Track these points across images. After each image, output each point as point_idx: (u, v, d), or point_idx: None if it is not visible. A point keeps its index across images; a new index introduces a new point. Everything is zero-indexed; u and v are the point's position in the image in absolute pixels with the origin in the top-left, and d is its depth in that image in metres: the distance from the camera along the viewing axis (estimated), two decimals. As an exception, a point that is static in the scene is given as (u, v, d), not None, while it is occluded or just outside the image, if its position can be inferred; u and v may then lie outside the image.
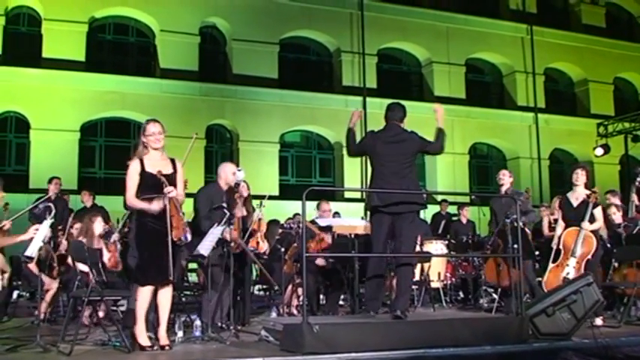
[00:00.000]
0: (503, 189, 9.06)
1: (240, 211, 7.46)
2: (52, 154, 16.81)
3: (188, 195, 6.74)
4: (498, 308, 8.77)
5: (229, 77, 20.09)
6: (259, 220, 8.35)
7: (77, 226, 9.28)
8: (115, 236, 8.69)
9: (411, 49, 22.82)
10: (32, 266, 8.48)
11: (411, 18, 22.20)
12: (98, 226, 8.26)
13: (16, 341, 6.59)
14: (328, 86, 21.42)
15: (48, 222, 5.97)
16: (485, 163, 23.75)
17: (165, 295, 6.20)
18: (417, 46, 22.63)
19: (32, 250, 5.77)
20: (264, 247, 9.56)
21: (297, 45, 21.74)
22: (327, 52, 22.08)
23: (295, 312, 9.09)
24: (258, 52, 20.14)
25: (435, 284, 10.39)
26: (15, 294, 10.21)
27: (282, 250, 8.62)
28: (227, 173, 7.55)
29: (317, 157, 21.48)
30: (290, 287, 9.31)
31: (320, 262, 8.55)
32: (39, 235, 5.67)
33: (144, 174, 6.12)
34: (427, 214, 13.58)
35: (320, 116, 20.53)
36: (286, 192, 19.14)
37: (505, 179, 9.08)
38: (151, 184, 6.07)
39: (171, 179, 6.16)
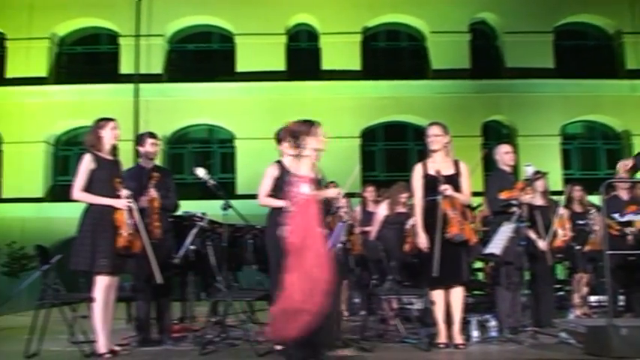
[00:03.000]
0: None
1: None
2: (335, 160, 17.63)
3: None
4: None
5: (503, 71, 19.69)
6: (560, 216, 7.94)
7: (370, 189, 9.63)
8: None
9: None
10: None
11: None
12: (403, 197, 8.47)
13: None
14: (610, 72, 19.98)
15: (344, 224, 6.28)
16: None
17: (457, 296, 6.19)
18: None
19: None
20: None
21: (573, 31, 20.62)
22: (606, 35, 20.65)
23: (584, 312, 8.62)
24: (532, 43, 19.48)
25: None
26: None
27: (578, 247, 8.17)
28: (500, 154, 7.32)
29: (603, 148, 20.17)
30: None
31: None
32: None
33: (426, 177, 6.20)
34: None
35: (603, 104, 19.31)
36: (571, 186, 18.19)
37: None
38: (430, 185, 6.15)
39: (453, 180, 6.15)
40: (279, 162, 6.15)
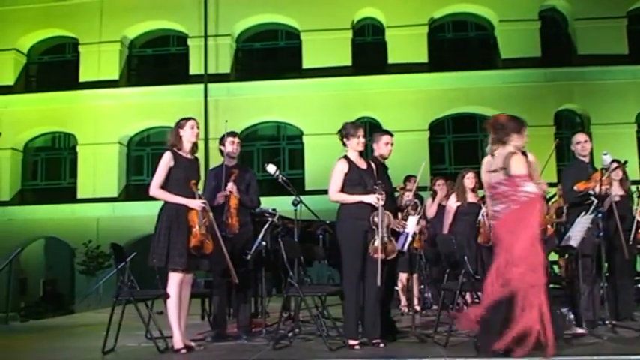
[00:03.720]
0: None
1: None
2: (404, 154, 17.46)
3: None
4: None
5: (574, 59, 19.13)
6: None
7: (440, 182, 9.55)
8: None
9: None
10: None
11: None
12: (467, 181, 8.35)
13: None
14: (688, 57, 19.18)
15: (415, 218, 6.23)
16: None
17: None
18: None
19: None
20: None
21: (647, 15, 19.86)
22: (684, 18, 19.84)
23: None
24: (604, 29, 18.85)
25: None
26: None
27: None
28: (576, 144, 7.12)
29: (681, 136, 19.38)
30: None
31: None
32: (409, 229, 5.91)
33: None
34: None
35: (681, 90, 18.53)
36: (648, 176, 17.57)
37: None
38: None
39: None
40: (346, 157, 6.13)
